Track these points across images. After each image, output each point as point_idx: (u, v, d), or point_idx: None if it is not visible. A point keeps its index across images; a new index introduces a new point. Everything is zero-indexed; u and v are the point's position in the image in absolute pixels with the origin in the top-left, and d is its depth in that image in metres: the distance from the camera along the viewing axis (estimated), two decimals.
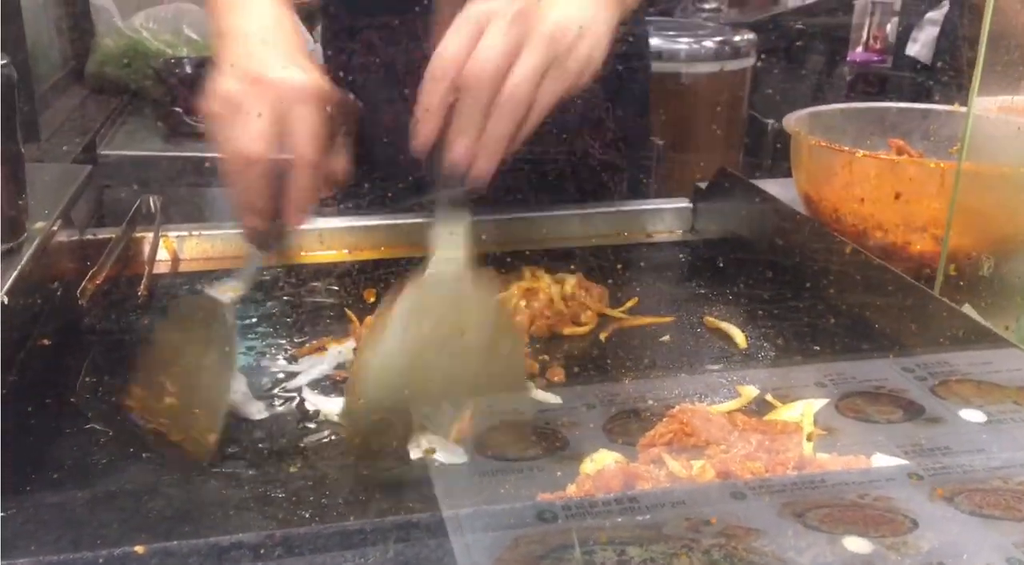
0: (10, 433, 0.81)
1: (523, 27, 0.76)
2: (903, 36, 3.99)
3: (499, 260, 1.14)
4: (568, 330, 0.98)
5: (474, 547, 0.61)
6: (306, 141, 0.79)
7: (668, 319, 1.01)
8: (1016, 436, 0.76)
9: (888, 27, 5.28)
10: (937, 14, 3.35)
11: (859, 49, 5.52)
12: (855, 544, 0.62)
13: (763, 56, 2.89)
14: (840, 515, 0.66)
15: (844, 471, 0.72)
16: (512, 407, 0.80)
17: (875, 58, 5.28)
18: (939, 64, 3.10)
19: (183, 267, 1.23)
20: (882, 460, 0.74)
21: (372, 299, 1.09)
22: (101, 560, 0.52)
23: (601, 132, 1.28)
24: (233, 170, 0.80)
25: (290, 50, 0.85)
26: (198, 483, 0.76)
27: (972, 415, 0.79)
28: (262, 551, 0.55)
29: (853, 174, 1.00)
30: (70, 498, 0.74)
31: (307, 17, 2.17)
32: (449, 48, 0.76)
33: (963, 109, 1.28)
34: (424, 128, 0.77)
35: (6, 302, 0.87)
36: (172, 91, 1.77)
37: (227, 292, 0.85)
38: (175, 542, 0.54)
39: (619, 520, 0.62)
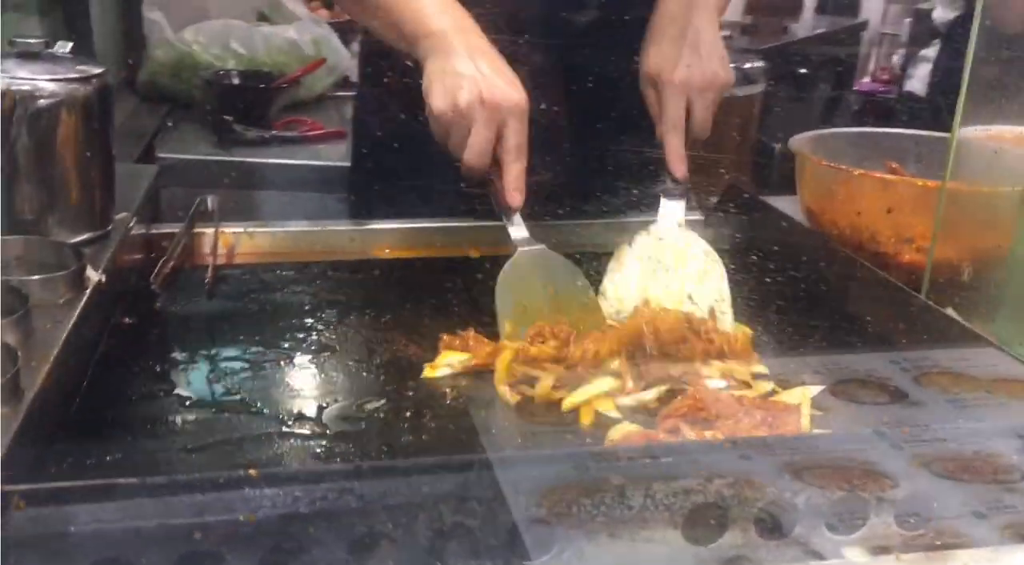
0: (110, 395, 0.93)
1: (715, 97, 1.17)
2: (908, 68, 4.11)
3: None
4: None
5: (520, 484, 0.72)
6: (520, 147, 1.07)
7: None
8: (986, 418, 0.88)
9: (894, 58, 5.41)
10: (931, 51, 3.47)
11: (866, 79, 5.65)
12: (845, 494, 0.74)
13: (772, 83, 3.01)
14: (832, 474, 0.77)
15: (834, 437, 0.83)
16: None
17: (881, 88, 5.40)
18: (933, 97, 3.22)
19: (238, 260, 1.34)
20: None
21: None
22: (222, 479, 0.63)
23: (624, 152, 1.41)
24: (466, 166, 1.09)
25: (494, 58, 1.08)
26: (276, 438, 0.87)
27: (949, 400, 0.91)
28: (352, 478, 0.66)
29: (851, 191, 1.12)
30: (167, 447, 0.85)
31: (343, 33, 2.30)
32: (680, 116, 1.16)
33: (946, 135, 1.40)
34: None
35: (103, 281, 0.99)
36: (222, 101, 1.90)
37: (532, 245, 1.10)
38: (281, 468, 0.65)
39: (644, 462, 0.73)
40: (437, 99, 1.07)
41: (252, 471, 0.66)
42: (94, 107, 1.03)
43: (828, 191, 1.17)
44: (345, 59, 2.22)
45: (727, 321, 1.06)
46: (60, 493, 0.62)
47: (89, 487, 0.60)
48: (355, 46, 2.47)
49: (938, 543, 0.68)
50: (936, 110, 2.53)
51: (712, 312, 1.04)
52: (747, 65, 2.83)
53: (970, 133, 1.05)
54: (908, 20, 4.89)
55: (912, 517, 0.72)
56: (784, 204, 1.37)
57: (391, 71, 1.48)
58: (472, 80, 1.05)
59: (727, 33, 3.85)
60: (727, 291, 1.08)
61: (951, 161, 1.00)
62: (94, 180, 1.06)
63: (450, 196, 1.45)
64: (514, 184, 1.08)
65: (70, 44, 1.09)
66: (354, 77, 2.36)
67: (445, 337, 1.04)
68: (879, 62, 5.63)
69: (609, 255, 1.17)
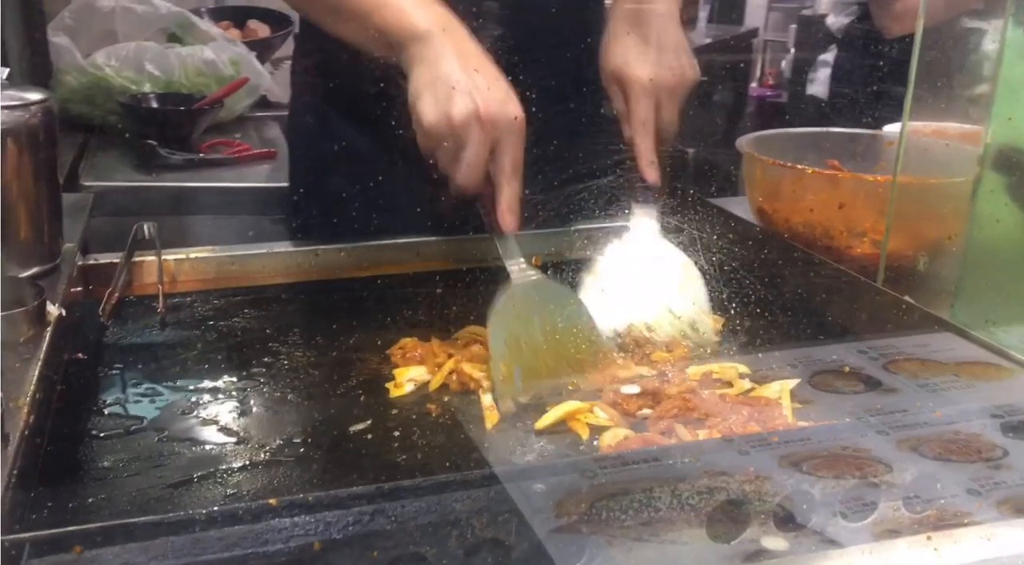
0: (77, 435, 0.89)
1: (684, 95, 1.14)
2: (799, 74, 4.23)
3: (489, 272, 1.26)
4: None
5: (532, 496, 0.72)
6: (515, 167, 1.00)
7: None
8: (959, 400, 0.91)
9: (783, 63, 5.60)
10: (828, 55, 3.60)
11: (753, 84, 5.84)
12: (849, 482, 0.76)
13: None
14: (828, 463, 0.79)
15: (824, 428, 0.85)
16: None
17: (769, 93, 5.60)
18: (836, 100, 3.34)
19: (181, 287, 1.29)
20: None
21: None
22: (241, 512, 0.61)
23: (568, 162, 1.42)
24: (456, 184, 1.02)
25: (488, 66, 1.01)
26: (263, 467, 0.85)
27: (921, 385, 0.94)
28: (375, 499, 0.65)
29: (803, 189, 1.16)
30: (150, 484, 0.82)
31: (258, 52, 2.26)
32: (650, 117, 1.12)
33: (879, 132, 1.46)
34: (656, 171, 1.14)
35: (64, 314, 0.95)
36: (142, 125, 1.84)
37: (526, 272, 1.02)
38: (301, 495, 0.63)
39: (646, 468, 0.74)
40: (428, 111, 0.98)
41: (272, 501, 0.64)
42: (39, 135, 0.99)
43: (780, 190, 1.20)
44: (264, 78, 2.18)
45: (709, 332, 1.05)
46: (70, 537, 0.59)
47: (108, 529, 0.57)
48: (268, 65, 2.44)
49: (947, 522, 0.71)
50: (841, 111, 2.63)
51: (694, 324, 1.03)
52: None
53: (913, 128, 1.09)
54: (793, 27, 5.08)
55: (915, 499, 0.74)
56: (724, 206, 1.41)
57: (327, 86, 1.46)
58: (466, 92, 0.97)
59: None
60: (707, 301, 1.07)
61: (901, 155, 1.04)
62: (43, 210, 1.01)
63: (395, 211, 1.44)
64: (507, 206, 1.01)
65: (7, 70, 1.04)
66: (272, 97, 2.33)
67: (407, 342, 1.04)
68: (766, 68, 5.83)
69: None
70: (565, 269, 1.14)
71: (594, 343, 0.98)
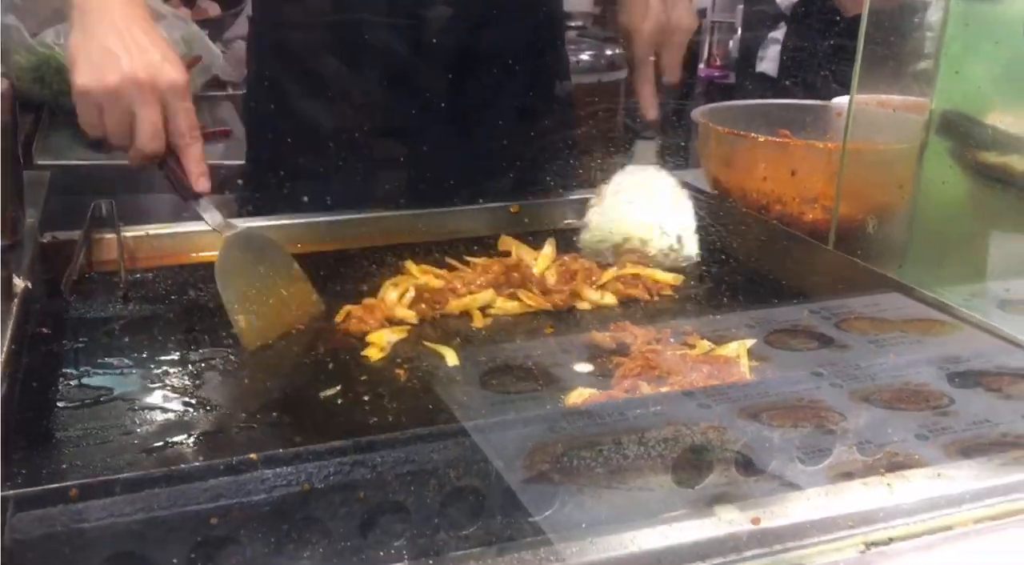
0: (45, 406, 0.89)
1: (682, 42, 1.24)
2: (748, 53, 4.28)
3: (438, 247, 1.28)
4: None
5: (504, 448, 0.74)
6: (192, 127, 1.03)
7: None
8: (906, 354, 0.95)
9: (731, 44, 5.65)
10: (778, 33, 3.65)
11: (701, 65, 5.89)
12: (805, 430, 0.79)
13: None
14: (785, 413, 0.82)
15: (780, 381, 0.89)
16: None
17: (716, 73, 5.65)
18: (784, 76, 3.39)
19: (140, 264, 1.29)
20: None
21: None
22: (223, 466, 0.63)
23: (533, 133, 1.46)
24: (134, 158, 1.04)
25: (148, 29, 1.01)
26: (236, 432, 0.86)
27: (871, 341, 0.98)
28: (351, 453, 0.66)
29: (756, 157, 1.19)
30: (123, 450, 0.82)
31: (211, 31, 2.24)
32: (648, 65, 1.22)
33: (828, 103, 1.50)
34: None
35: (31, 287, 0.95)
36: None
37: (232, 228, 1.09)
38: (280, 451, 0.65)
39: (611, 421, 0.77)
40: (83, 75, 0.97)
41: (252, 455, 0.65)
42: (1, 109, 0.98)
43: (734, 159, 1.23)
44: (217, 57, 2.17)
45: (693, 248, 1.17)
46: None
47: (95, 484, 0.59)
48: (219, 45, 2.42)
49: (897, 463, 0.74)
50: (790, 88, 2.68)
51: (680, 239, 1.15)
52: (608, 51, 2.93)
53: (859, 100, 1.13)
54: (740, 7, 5.13)
55: (868, 444, 0.78)
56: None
57: (283, 64, 1.47)
58: (120, 57, 0.97)
59: (579, 23, 3.98)
60: (692, 222, 1.18)
61: (849, 123, 1.08)
62: (5, 188, 1.01)
63: (354, 186, 1.46)
64: (197, 168, 1.04)
65: None
66: (224, 76, 2.31)
67: (351, 308, 1.08)
68: (713, 49, 5.88)
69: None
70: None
71: (299, 283, 1.08)
